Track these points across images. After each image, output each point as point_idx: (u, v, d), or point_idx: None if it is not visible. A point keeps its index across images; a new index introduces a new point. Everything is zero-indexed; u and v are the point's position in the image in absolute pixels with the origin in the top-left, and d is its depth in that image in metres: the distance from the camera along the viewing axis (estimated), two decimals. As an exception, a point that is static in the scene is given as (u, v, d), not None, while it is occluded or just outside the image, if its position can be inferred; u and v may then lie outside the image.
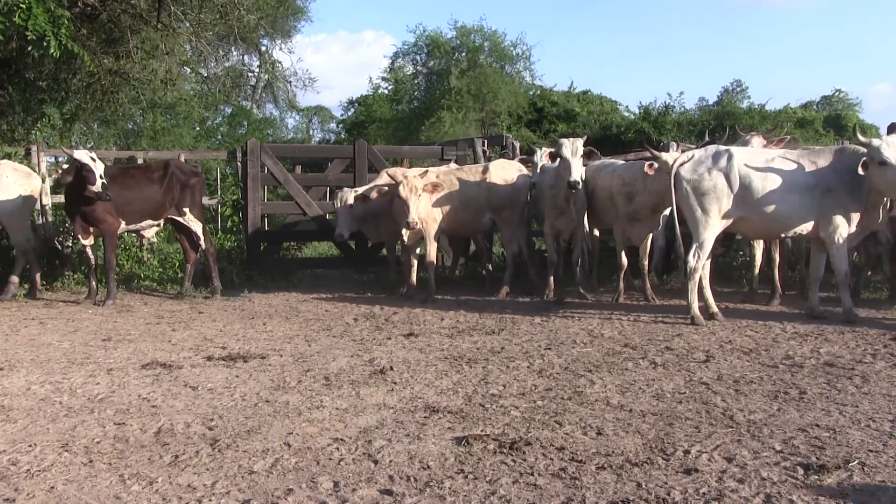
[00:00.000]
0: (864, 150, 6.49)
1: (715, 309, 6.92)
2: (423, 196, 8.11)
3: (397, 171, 8.44)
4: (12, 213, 8.53)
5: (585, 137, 8.00)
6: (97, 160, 7.93)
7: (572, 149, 7.60)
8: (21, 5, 8.30)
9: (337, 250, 10.96)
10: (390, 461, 3.40)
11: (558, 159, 7.73)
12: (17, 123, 11.96)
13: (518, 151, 11.16)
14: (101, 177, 7.82)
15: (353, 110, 35.83)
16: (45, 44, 8.57)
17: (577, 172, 7.58)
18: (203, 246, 8.92)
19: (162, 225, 9.25)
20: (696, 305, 6.76)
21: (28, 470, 3.36)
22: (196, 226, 8.88)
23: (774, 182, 6.67)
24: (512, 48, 29.36)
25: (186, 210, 8.81)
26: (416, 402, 4.32)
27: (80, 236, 8.38)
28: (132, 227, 8.71)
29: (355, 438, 3.71)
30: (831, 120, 28.99)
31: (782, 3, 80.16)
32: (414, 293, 8.55)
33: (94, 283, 8.43)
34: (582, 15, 74.21)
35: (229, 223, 11.25)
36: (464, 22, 29.51)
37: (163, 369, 5.20)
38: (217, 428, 3.91)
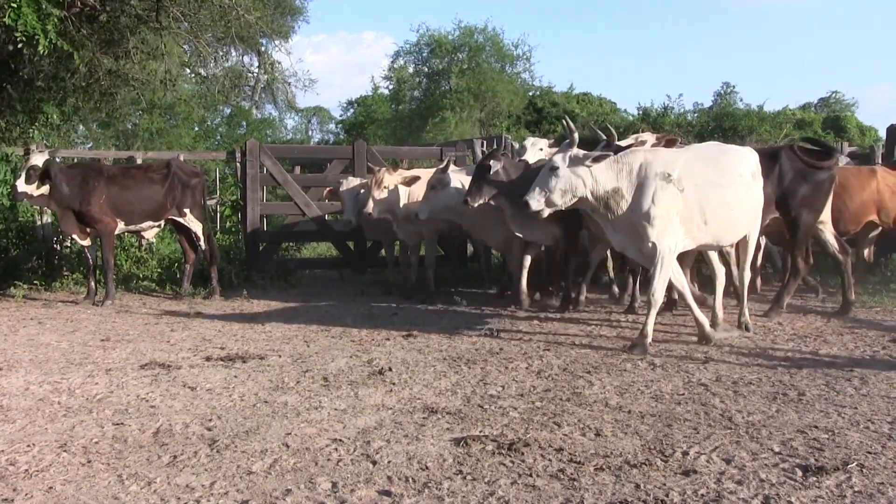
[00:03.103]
0: None
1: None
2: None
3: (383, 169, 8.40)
4: None
5: (552, 140, 8.10)
6: (31, 158, 8.09)
7: (534, 150, 7.77)
8: (12, 5, 8.26)
9: (336, 251, 10.96)
10: (389, 462, 3.40)
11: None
12: (14, 123, 11.93)
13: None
14: (19, 175, 8.10)
15: (352, 111, 35.88)
16: (34, 42, 8.53)
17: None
18: (203, 246, 8.92)
19: (163, 225, 9.24)
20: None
21: (26, 470, 3.36)
22: (196, 226, 8.87)
23: None
24: (513, 48, 29.45)
25: (187, 210, 8.80)
26: (415, 403, 4.32)
27: (77, 237, 8.38)
28: (133, 227, 8.70)
29: (354, 439, 3.71)
30: (830, 121, 29.06)
31: (782, 4, 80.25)
32: (412, 293, 8.55)
33: (92, 283, 8.43)
34: (583, 16, 74.32)
35: (228, 223, 11.26)
36: (468, 22, 29.66)
37: (161, 369, 5.20)
38: (215, 428, 3.91)
